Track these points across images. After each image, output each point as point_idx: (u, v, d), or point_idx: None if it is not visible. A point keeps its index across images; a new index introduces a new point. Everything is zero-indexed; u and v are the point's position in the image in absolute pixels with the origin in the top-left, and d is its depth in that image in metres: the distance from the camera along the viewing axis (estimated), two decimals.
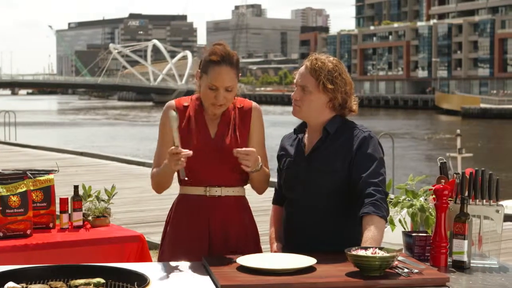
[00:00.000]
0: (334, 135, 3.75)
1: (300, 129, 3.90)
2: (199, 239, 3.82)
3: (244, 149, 3.67)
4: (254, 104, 3.96)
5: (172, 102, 3.93)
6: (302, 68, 3.80)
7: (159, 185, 3.89)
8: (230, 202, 3.85)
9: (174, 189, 4.01)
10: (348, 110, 3.81)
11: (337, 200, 3.70)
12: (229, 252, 3.70)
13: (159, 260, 3.94)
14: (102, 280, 3.10)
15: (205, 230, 3.83)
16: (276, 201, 4.05)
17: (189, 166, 3.75)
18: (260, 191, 3.95)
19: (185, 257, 3.68)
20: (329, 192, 3.70)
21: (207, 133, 3.84)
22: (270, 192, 4.02)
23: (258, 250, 3.92)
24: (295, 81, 3.82)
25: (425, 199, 3.83)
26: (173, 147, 3.56)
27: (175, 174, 3.79)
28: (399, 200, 3.89)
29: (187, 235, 3.84)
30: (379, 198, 3.58)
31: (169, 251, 3.89)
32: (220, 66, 3.75)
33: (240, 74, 3.86)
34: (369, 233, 3.48)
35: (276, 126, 48.64)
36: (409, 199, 3.86)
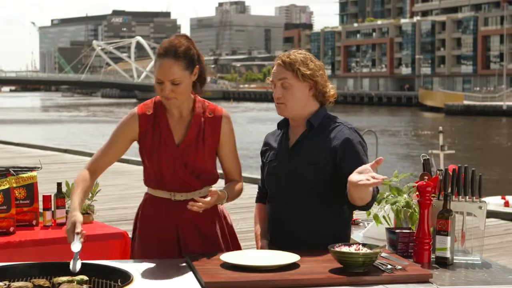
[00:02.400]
0: (318, 129, 3.76)
1: (284, 123, 3.89)
2: (168, 240, 3.79)
3: (199, 204, 3.52)
4: (224, 111, 3.88)
5: (135, 112, 3.82)
6: (275, 67, 3.82)
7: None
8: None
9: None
10: (329, 96, 3.82)
11: (320, 194, 3.70)
12: (203, 250, 3.69)
13: (131, 257, 3.92)
14: (85, 278, 3.10)
15: (173, 232, 3.79)
16: (259, 199, 4.05)
17: (155, 173, 3.76)
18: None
19: (156, 256, 3.67)
20: (312, 185, 3.69)
21: (172, 143, 3.74)
22: (254, 189, 4.01)
23: (236, 244, 3.92)
24: (271, 80, 3.83)
25: (409, 195, 3.84)
26: (77, 228, 3.35)
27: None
28: (383, 197, 3.91)
29: (157, 235, 3.80)
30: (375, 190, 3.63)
31: (140, 250, 3.86)
32: (163, 58, 3.65)
33: (197, 67, 3.73)
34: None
35: (259, 123, 48.70)
36: (394, 195, 3.87)
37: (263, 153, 3.97)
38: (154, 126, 3.78)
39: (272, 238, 3.87)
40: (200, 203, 3.52)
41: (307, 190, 3.71)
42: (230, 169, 3.92)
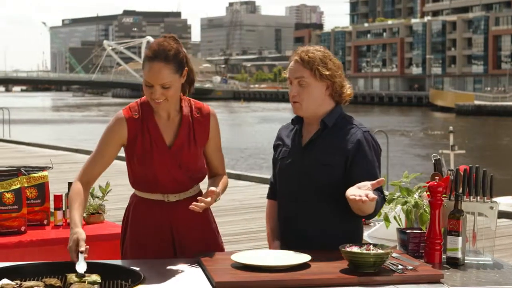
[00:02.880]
0: (332, 129, 3.73)
1: (298, 119, 3.85)
2: (162, 242, 3.76)
3: (200, 205, 3.51)
4: (211, 109, 3.86)
5: (122, 115, 3.74)
6: (292, 63, 3.77)
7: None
8: (189, 203, 3.69)
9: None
10: (346, 95, 3.79)
11: (331, 194, 3.68)
12: (191, 250, 3.69)
13: (123, 259, 3.84)
14: (98, 280, 3.09)
15: (167, 233, 3.76)
16: (271, 195, 4.03)
17: (148, 177, 3.71)
18: None
19: (150, 258, 3.65)
20: (323, 185, 3.67)
21: (163, 143, 3.72)
22: (265, 189, 4.01)
23: (219, 246, 3.91)
24: (288, 77, 3.80)
25: (419, 196, 3.83)
26: (80, 246, 3.27)
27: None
28: (394, 197, 3.90)
29: (150, 238, 3.76)
30: (381, 199, 3.64)
31: (132, 253, 3.80)
32: (152, 62, 3.59)
33: (186, 69, 3.69)
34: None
35: (269, 122, 48.66)
36: (404, 196, 3.86)
37: (275, 147, 3.94)
38: (143, 129, 3.71)
39: (282, 236, 3.86)
40: (202, 204, 3.51)
41: (318, 190, 3.69)
42: (216, 164, 3.92)
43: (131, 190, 3.88)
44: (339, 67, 3.76)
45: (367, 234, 4.28)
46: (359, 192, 3.36)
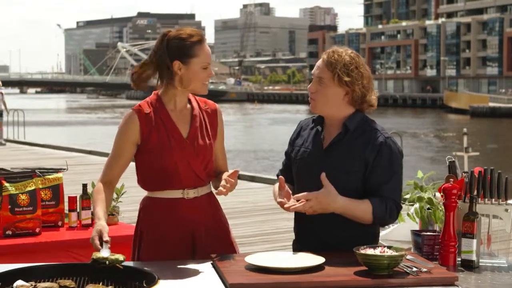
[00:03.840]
0: (354, 133, 3.68)
1: (319, 119, 3.80)
2: (182, 242, 3.76)
3: (227, 185, 3.57)
4: (217, 106, 3.95)
5: (133, 113, 3.78)
6: (320, 61, 3.74)
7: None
8: (205, 201, 3.79)
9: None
10: (368, 105, 3.73)
11: (349, 197, 3.60)
12: (209, 249, 3.70)
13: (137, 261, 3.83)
14: (121, 258, 3.18)
15: (187, 232, 3.76)
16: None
17: (166, 170, 3.71)
18: None
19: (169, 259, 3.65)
20: (342, 190, 3.58)
21: (180, 135, 3.75)
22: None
23: (231, 242, 3.92)
24: (312, 72, 3.78)
25: (434, 195, 3.82)
26: (104, 237, 3.36)
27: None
28: (407, 195, 3.89)
29: (168, 239, 3.76)
30: (391, 207, 3.61)
31: (148, 256, 3.78)
32: (204, 43, 3.77)
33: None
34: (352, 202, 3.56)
35: (283, 124, 48.64)
36: (418, 191, 3.85)
37: (293, 142, 3.89)
38: (157, 123, 3.75)
39: (298, 237, 3.86)
40: (228, 185, 3.58)
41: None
42: (221, 162, 3.96)
43: (145, 192, 3.87)
44: (364, 77, 3.67)
45: (381, 236, 4.27)
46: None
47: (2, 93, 23.44)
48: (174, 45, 3.72)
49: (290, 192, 3.68)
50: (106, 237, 3.33)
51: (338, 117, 3.72)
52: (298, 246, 3.77)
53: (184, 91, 3.78)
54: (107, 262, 3.18)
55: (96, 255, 3.20)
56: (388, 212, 3.60)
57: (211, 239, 3.80)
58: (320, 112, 3.76)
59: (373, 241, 3.72)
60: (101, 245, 3.31)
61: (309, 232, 3.76)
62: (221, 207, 3.95)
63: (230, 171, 3.70)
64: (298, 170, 3.82)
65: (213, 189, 3.88)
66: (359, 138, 3.67)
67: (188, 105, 3.84)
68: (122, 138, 3.77)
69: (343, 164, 3.64)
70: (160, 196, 3.79)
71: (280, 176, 3.70)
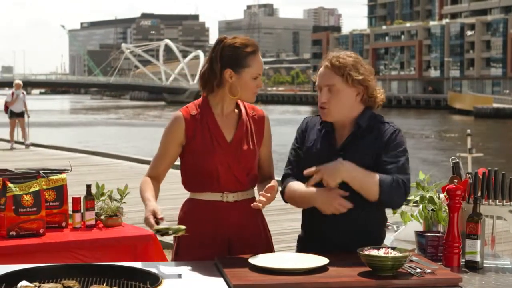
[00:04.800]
0: (366, 129, 3.69)
1: (327, 122, 3.79)
2: (218, 244, 3.79)
3: (263, 200, 3.62)
4: (265, 113, 3.99)
5: (180, 114, 3.84)
6: (322, 69, 3.73)
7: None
8: (246, 205, 3.79)
9: (181, 189, 4.01)
10: (378, 101, 3.76)
11: (360, 196, 3.60)
12: (251, 252, 3.67)
13: (175, 260, 3.89)
14: (182, 227, 3.36)
15: (224, 235, 3.79)
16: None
17: (207, 173, 3.76)
18: None
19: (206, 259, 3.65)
20: (355, 190, 3.58)
21: (223, 139, 3.80)
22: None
23: (270, 249, 3.92)
24: (317, 84, 3.75)
25: (438, 196, 3.81)
26: (158, 215, 3.49)
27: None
28: (410, 197, 3.88)
29: (205, 240, 3.79)
30: (398, 181, 3.56)
31: (185, 257, 3.81)
32: (257, 53, 3.80)
33: None
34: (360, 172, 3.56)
35: (287, 125, 48.60)
36: (420, 192, 3.85)
37: (301, 139, 3.87)
38: (202, 126, 3.81)
39: (305, 236, 3.86)
40: (264, 199, 3.61)
41: (350, 195, 3.58)
42: (266, 168, 3.98)
43: None
44: (370, 72, 3.73)
45: (393, 237, 4.25)
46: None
47: (24, 94, 23.28)
48: (228, 53, 3.76)
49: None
50: (160, 215, 3.46)
51: (351, 117, 3.72)
52: (305, 244, 3.76)
53: (232, 97, 3.83)
54: (169, 231, 3.36)
55: (157, 226, 3.39)
56: (395, 186, 3.55)
57: (248, 244, 3.81)
58: (334, 119, 3.74)
59: (382, 240, 3.75)
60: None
61: (319, 230, 3.75)
62: (262, 214, 3.97)
63: (267, 185, 3.69)
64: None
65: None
66: (370, 134, 3.69)
67: (236, 110, 3.89)
68: (167, 138, 3.85)
69: (358, 161, 3.61)
70: (200, 198, 3.84)
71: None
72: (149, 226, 3.47)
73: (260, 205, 3.60)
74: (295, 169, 3.86)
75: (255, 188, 3.94)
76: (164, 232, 3.38)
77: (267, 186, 3.67)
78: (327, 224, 3.69)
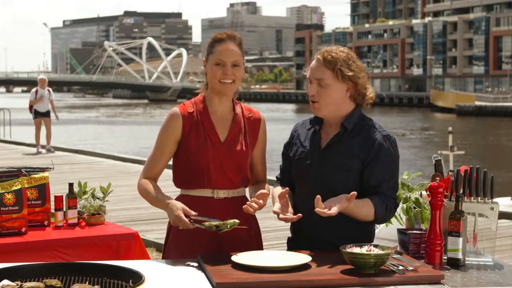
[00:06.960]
0: (352, 132, 3.70)
1: (317, 120, 3.83)
2: (208, 242, 3.79)
3: (254, 206, 3.60)
4: (262, 115, 4.02)
5: (177, 111, 3.86)
6: (314, 63, 3.75)
7: (147, 201, 3.90)
8: (237, 203, 3.80)
9: (170, 187, 4.01)
10: (367, 98, 3.78)
11: None
12: (235, 251, 3.67)
13: (164, 258, 3.89)
14: (236, 220, 3.44)
15: (214, 232, 3.76)
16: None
17: (199, 170, 3.78)
18: None
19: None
20: (340, 189, 3.60)
21: (217, 138, 3.83)
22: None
23: (260, 247, 3.95)
24: (307, 76, 3.77)
25: (421, 195, 3.82)
26: (188, 212, 3.55)
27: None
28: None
29: (196, 237, 3.79)
30: (391, 207, 3.67)
31: (175, 254, 3.83)
32: (225, 42, 3.80)
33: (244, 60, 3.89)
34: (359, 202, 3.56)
35: (271, 123, 48.57)
36: (405, 191, 3.85)
37: (290, 145, 3.91)
38: (197, 124, 3.84)
39: (295, 235, 3.87)
40: (255, 205, 3.60)
41: (334, 194, 3.59)
42: (259, 170, 4.01)
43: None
44: (362, 69, 3.74)
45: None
46: (326, 204, 3.44)
47: (49, 91, 20.79)
48: (208, 44, 3.86)
49: (289, 201, 3.71)
50: (192, 212, 3.52)
51: (339, 116, 3.74)
52: (295, 246, 3.77)
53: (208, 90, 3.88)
54: (228, 226, 3.44)
55: (210, 224, 3.45)
56: (388, 213, 3.67)
57: (238, 241, 3.81)
58: (324, 114, 3.76)
59: (371, 239, 3.77)
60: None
61: (308, 230, 3.76)
62: (254, 214, 3.91)
63: (259, 191, 3.67)
64: (297, 170, 3.84)
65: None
66: (356, 137, 3.69)
67: (232, 111, 3.92)
68: (164, 134, 3.87)
69: (341, 163, 3.66)
70: (191, 194, 3.86)
71: (286, 189, 3.71)
72: (182, 224, 3.50)
73: (251, 210, 3.60)
74: (282, 174, 3.97)
75: (247, 189, 3.96)
76: (221, 228, 3.45)
77: (259, 192, 3.66)
78: (316, 225, 3.69)
